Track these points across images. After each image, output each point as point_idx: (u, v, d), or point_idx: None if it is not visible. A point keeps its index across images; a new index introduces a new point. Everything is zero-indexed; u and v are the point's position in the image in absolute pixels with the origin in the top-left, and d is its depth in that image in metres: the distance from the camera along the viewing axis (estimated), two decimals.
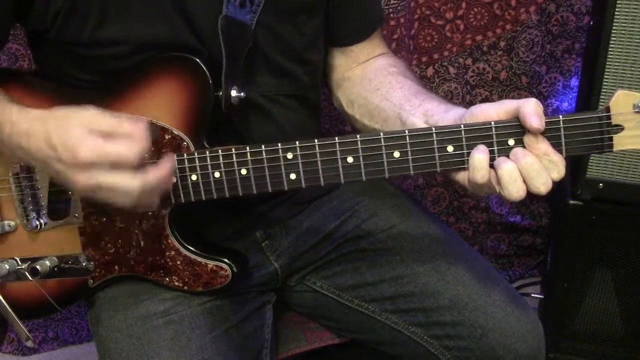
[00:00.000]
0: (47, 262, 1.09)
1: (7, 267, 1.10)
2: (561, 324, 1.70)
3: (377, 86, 1.17)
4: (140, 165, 0.89)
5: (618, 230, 1.59)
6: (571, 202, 1.57)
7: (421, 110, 1.05)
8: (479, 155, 0.87)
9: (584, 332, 1.70)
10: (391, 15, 1.77)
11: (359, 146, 0.92)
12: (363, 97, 1.18)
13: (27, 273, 1.09)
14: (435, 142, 0.90)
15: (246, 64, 1.07)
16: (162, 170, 0.92)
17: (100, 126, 0.88)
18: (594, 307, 1.67)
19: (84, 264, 1.09)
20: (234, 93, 1.03)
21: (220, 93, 1.01)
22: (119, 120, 0.89)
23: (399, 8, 1.77)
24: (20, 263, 1.11)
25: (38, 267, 1.08)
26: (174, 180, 0.97)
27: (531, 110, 0.85)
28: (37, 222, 1.09)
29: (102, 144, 0.87)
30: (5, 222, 1.11)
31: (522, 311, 1.16)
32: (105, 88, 1.04)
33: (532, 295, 1.98)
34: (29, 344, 1.15)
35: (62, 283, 1.11)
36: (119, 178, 0.88)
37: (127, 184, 0.88)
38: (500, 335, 1.12)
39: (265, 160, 0.96)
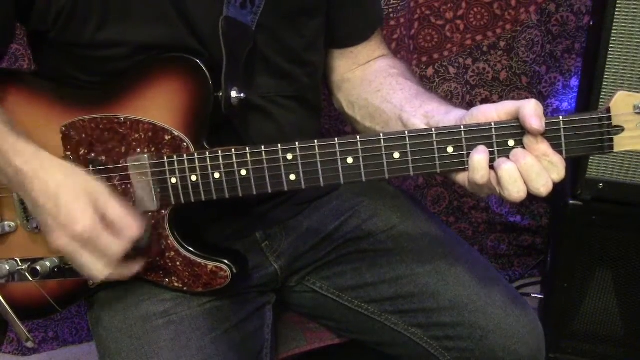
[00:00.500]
0: (47, 263, 1.09)
1: (7, 268, 1.10)
2: (561, 324, 1.70)
3: (378, 88, 1.17)
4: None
5: (618, 230, 1.59)
6: (571, 202, 1.57)
7: (422, 112, 1.05)
8: (479, 156, 0.87)
9: (584, 332, 1.70)
10: (391, 15, 1.77)
11: (359, 147, 0.92)
12: (364, 98, 1.18)
13: (27, 274, 1.09)
14: (435, 143, 0.90)
15: (246, 66, 1.07)
16: (132, 269, 1.00)
17: (106, 210, 0.94)
18: (594, 307, 1.67)
19: None
20: (233, 94, 1.03)
21: (220, 94, 1.01)
22: (123, 216, 0.94)
23: (399, 8, 1.77)
24: (20, 264, 1.10)
25: (38, 267, 1.08)
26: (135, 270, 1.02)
27: (531, 111, 0.85)
28: (37, 223, 1.09)
29: (99, 229, 0.93)
30: (6, 222, 1.10)
31: (522, 312, 1.16)
32: (106, 89, 1.04)
33: (532, 295, 1.98)
34: (29, 344, 1.15)
35: (62, 284, 1.11)
36: (93, 263, 0.94)
37: (97, 271, 0.95)
38: (501, 337, 1.12)
39: (265, 161, 0.95)
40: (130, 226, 0.94)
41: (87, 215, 0.92)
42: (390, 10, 1.76)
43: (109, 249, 0.93)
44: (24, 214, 1.09)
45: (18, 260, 1.11)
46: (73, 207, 0.93)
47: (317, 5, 1.15)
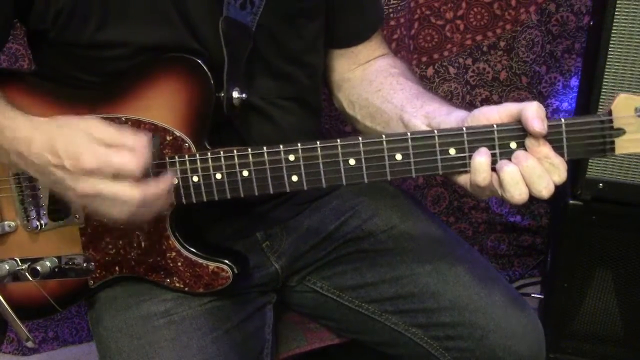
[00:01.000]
0: (48, 263, 1.09)
1: (8, 268, 1.10)
2: (561, 324, 1.70)
3: (378, 87, 1.17)
4: (141, 178, 0.90)
5: (618, 230, 1.59)
6: (571, 202, 1.57)
7: (423, 112, 1.05)
8: (481, 158, 0.87)
9: (584, 332, 1.70)
10: (391, 15, 1.77)
11: (361, 148, 0.92)
12: (364, 98, 1.18)
13: (27, 273, 1.09)
14: (437, 144, 0.90)
15: (246, 67, 1.06)
16: (162, 185, 0.93)
17: (104, 135, 0.90)
18: (594, 307, 1.67)
19: (84, 265, 1.09)
20: (235, 94, 1.02)
21: (222, 94, 1.01)
22: (122, 132, 0.91)
23: (399, 8, 1.77)
24: (20, 263, 1.10)
25: (38, 267, 1.08)
26: (172, 200, 0.99)
27: (533, 113, 0.85)
28: (38, 223, 1.08)
29: (106, 152, 0.88)
30: (6, 222, 1.10)
31: (523, 312, 1.16)
32: (106, 89, 1.04)
33: (532, 295, 1.98)
34: (30, 344, 1.15)
35: (63, 284, 1.11)
36: (119, 187, 0.89)
37: (127, 195, 0.89)
38: (501, 336, 1.13)
39: (267, 162, 0.95)
40: (133, 139, 0.90)
41: (89, 149, 0.89)
42: (390, 10, 1.76)
43: (126, 165, 0.88)
44: (24, 213, 1.09)
45: (18, 260, 1.11)
46: (73, 148, 0.89)
47: (316, 6, 1.15)
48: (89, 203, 0.92)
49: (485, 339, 1.13)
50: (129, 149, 0.89)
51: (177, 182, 0.99)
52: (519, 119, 0.87)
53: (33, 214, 1.09)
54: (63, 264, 1.10)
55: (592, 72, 1.45)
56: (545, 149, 0.86)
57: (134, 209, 0.91)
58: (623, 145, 0.87)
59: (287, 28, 1.11)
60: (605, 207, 1.55)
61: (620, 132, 0.86)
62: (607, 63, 1.42)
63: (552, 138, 0.87)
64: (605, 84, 1.44)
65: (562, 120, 0.87)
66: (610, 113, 0.86)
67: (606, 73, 1.43)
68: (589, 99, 1.46)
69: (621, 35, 1.40)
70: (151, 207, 0.93)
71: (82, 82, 1.07)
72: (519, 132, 0.87)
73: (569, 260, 1.64)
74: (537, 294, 2.00)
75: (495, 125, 0.88)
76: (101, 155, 0.88)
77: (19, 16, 1.04)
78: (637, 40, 1.40)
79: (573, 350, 1.72)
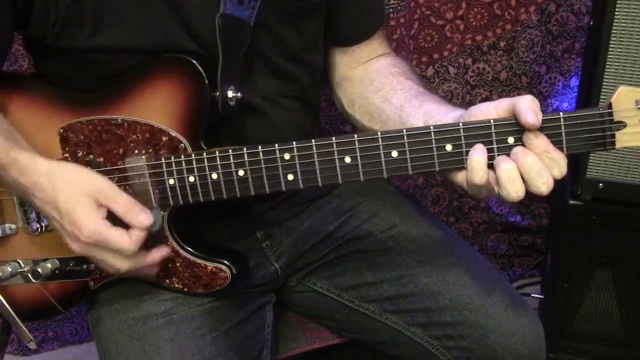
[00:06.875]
0: (49, 265, 1.09)
1: (9, 269, 1.10)
2: (561, 324, 1.70)
3: (379, 87, 1.16)
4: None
5: (618, 230, 1.59)
6: (571, 202, 1.57)
7: (421, 112, 1.04)
8: (477, 157, 0.86)
9: (584, 332, 1.70)
10: (391, 15, 1.77)
11: (357, 146, 0.91)
12: (364, 97, 1.18)
13: (29, 275, 1.09)
14: (433, 141, 0.88)
15: (246, 66, 1.06)
16: (155, 256, 1.00)
17: (110, 205, 0.95)
18: (594, 307, 1.67)
19: (84, 267, 1.09)
20: (230, 94, 1.02)
21: (217, 93, 1.01)
22: (130, 207, 0.95)
23: (399, 8, 1.77)
24: (22, 265, 1.10)
25: (39, 269, 1.08)
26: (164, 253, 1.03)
27: (526, 106, 0.83)
28: (38, 225, 1.08)
29: (105, 230, 0.94)
30: (6, 225, 1.10)
31: (523, 312, 1.16)
32: (102, 90, 1.04)
33: (532, 295, 1.97)
34: (32, 345, 1.15)
35: (64, 285, 1.11)
36: (112, 260, 0.97)
37: (118, 267, 0.97)
38: (501, 336, 1.12)
39: (262, 161, 0.95)
40: (137, 216, 0.95)
41: (90, 219, 0.93)
42: (390, 10, 1.76)
43: (121, 246, 0.94)
44: (24, 216, 1.09)
45: (20, 262, 1.11)
46: (75, 214, 0.94)
47: (317, 5, 1.14)
48: (82, 254, 0.98)
49: (486, 338, 1.13)
50: (129, 226, 0.95)
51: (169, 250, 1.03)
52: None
53: (33, 216, 1.09)
54: (64, 266, 1.09)
55: (592, 72, 1.45)
56: (544, 143, 0.85)
57: (122, 273, 1.00)
58: (623, 139, 0.85)
59: (288, 26, 1.11)
60: (605, 207, 1.55)
61: (621, 125, 0.84)
62: (607, 63, 1.42)
63: (551, 132, 0.85)
64: (605, 84, 1.43)
65: (561, 113, 0.85)
66: (610, 106, 0.84)
67: (606, 73, 1.43)
68: (589, 99, 1.46)
69: (621, 35, 1.40)
70: (140, 271, 1.01)
71: (80, 84, 1.06)
72: (516, 127, 0.86)
73: (569, 260, 1.64)
74: (537, 294, 2.00)
75: (492, 121, 0.87)
76: (99, 233, 0.93)
77: (18, 28, 1.04)
78: (637, 40, 1.40)
79: (573, 350, 1.72)
